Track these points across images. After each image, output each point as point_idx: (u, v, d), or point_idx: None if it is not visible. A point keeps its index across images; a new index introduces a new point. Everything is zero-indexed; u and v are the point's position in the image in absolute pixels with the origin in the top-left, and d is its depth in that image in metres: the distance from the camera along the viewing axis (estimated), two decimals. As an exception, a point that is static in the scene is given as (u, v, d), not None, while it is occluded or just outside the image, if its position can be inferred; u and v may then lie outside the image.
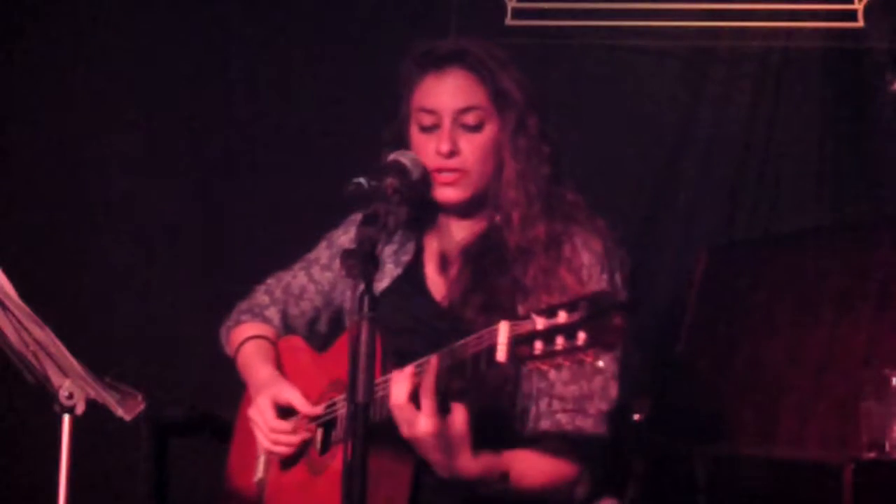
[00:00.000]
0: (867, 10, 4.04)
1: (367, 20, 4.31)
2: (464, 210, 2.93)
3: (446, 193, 2.88)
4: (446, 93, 2.89)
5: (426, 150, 2.88)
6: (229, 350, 3.17)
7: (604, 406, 2.78)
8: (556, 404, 2.78)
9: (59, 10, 4.41)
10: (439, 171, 2.86)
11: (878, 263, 3.40)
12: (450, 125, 2.87)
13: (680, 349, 3.74)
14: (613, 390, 2.79)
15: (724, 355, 3.63)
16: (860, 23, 4.05)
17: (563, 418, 2.77)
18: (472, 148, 2.87)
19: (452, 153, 2.86)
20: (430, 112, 2.89)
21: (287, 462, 2.96)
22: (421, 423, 2.56)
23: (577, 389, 2.76)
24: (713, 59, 4.18)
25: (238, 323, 3.17)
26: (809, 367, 3.39)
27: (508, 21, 4.25)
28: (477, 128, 2.87)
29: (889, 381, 3.00)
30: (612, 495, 2.94)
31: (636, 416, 3.39)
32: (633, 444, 3.32)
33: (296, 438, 2.90)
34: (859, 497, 2.83)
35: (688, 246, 4.05)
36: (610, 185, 3.94)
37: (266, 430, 2.91)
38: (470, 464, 2.62)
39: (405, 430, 2.59)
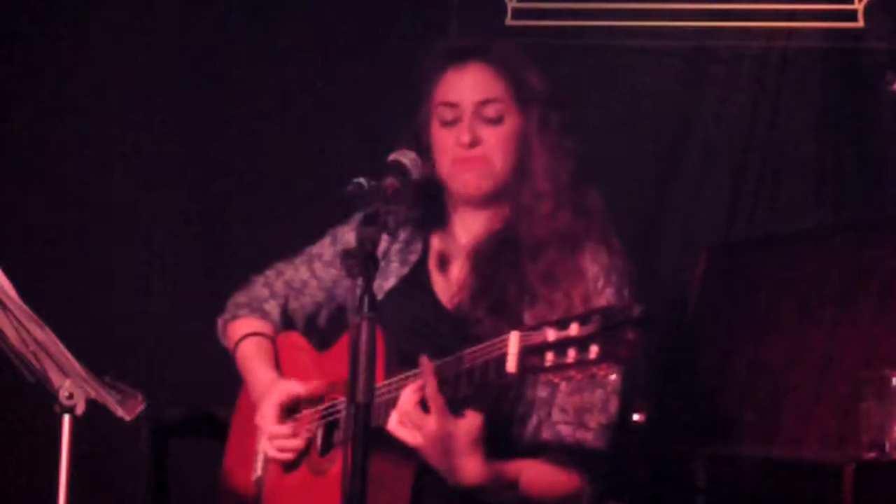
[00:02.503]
0: (867, 10, 4.04)
1: (368, 20, 4.31)
2: (481, 204, 2.93)
3: (469, 184, 2.87)
4: (467, 86, 2.91)
5: (446, 143, 2.89)
6: (226, 343, 3.17)
7: (603, 419, 2.78)
8: (557, 415, 2.78)
9: (59, 10, 4.41)
10: (462, 161, 2.86)
11: (878, 263, 3.40)
12: (470, 117, 2.88)
13: (680, 350, 3.74)
14: (613, 405, 2.79)
15: (724, 355, 3.63)
16: (860, 23, 4.05)
17: (564, 430, 2.76)
18: (493, 139, 2.88)
19: (474, 143, 2.87)
20: (452, 105, 2.90)
21: (288, 463, 2.95)
22: (430, 425, 2.55)
23: (579, 401, 2.76)
24: (713, 59, 4.18)
25: (235, 317, 3.16)
26: (809, 367, 3.39)
27: (508, 21, 4.25)
28: (498, 120, 2.89)
29: (889, 381, 2.99)
30: (614, 497, 2.93)
31: (636, 417, 3.39)
32: (634, 444, 3.32)
33: (297, 443, 2.89)
34: (859, 497, 2.82)
35: (688, 246, 4.04)
36: (610, 185, 3.93)
37: (268, 436, 2.91)
38: (479, 470, 2.61)
39: (413, 437, 2.58)
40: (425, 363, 2.55)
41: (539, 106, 2.90)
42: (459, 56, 2.93)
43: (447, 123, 2.90)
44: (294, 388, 2.90)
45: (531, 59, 2.98)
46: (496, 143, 2.87)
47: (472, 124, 2.88)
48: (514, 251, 2.86)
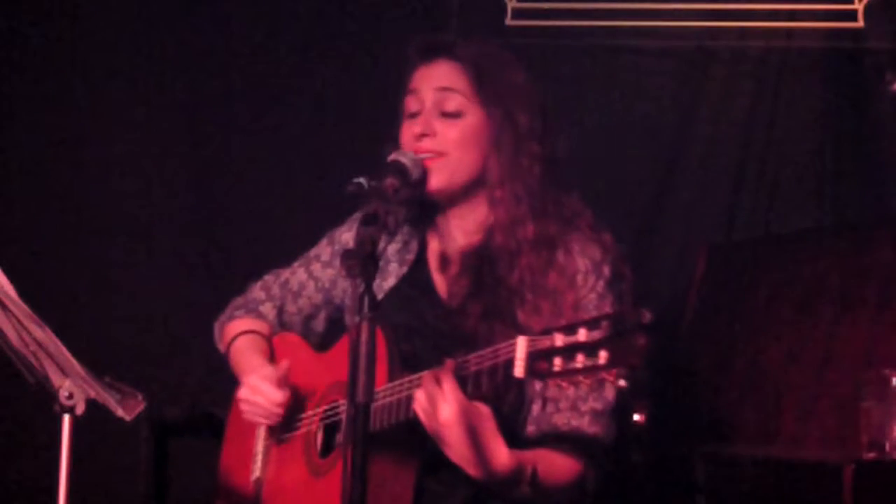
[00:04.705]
0: (867, 10, 4.04)
1: (367, 20, 4.31)
2: (453, 202, 2.92)
3: (428, 181, 2.86)
4: (429, 76, 2.91)
5: (409, 137, 2.88)
6: (221, 346, 3.16)
7: (598, 406, 2.77)
8: (550, 406, 2.78)
9: (59, 10, 4.41)
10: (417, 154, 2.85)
11: (878, 263, 3.40)
12: (429, 109, 2.88)
13: (680, 349, 3.74)
14: (610, 393, 2.78)
15: (724, 355, 3.63)
16: (860, 23, 4.05)
17: (558, 419, 2.76)
18: (449, 132, 2.86)
19: (426, 134, 2.86)
20: (414, 94, 2.90)
21: (285, 461, 2.95)
22: (449, 398, 2.51)
23: (572, 391, 2.75)
24: (713, 59, 4.18)
25: (231, 318, 3.16)
26: (809, 367, 3.39)
27: (508, 21, 4.25)
28: (456, 115, 2.87)
29: (889, 381, 2.99)
30: (613, 495, 2.93)
31: (636, 417, 3.39)
32: (634, 444, 3.32)
33: (279, 410, 2.89)
34: (859, 497, 2.82)
35: (688, 246, 4.05)
36: (610, 185, 3.94)
37: (269, 401, 2.90)
38: (507, 456, 2.57)
39: (432, 418, 2.53)
40: (448, 363, 2.55)
41: (504, 106, 2.87)
42: (429, 53, 2.93)
43: (410, 116, 2.90)
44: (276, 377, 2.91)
45: (514, 60, 2.96)
46: (452, 136, 2.86)
47: (428, 117, 2.87)
48: (497, 254, 2.85)
